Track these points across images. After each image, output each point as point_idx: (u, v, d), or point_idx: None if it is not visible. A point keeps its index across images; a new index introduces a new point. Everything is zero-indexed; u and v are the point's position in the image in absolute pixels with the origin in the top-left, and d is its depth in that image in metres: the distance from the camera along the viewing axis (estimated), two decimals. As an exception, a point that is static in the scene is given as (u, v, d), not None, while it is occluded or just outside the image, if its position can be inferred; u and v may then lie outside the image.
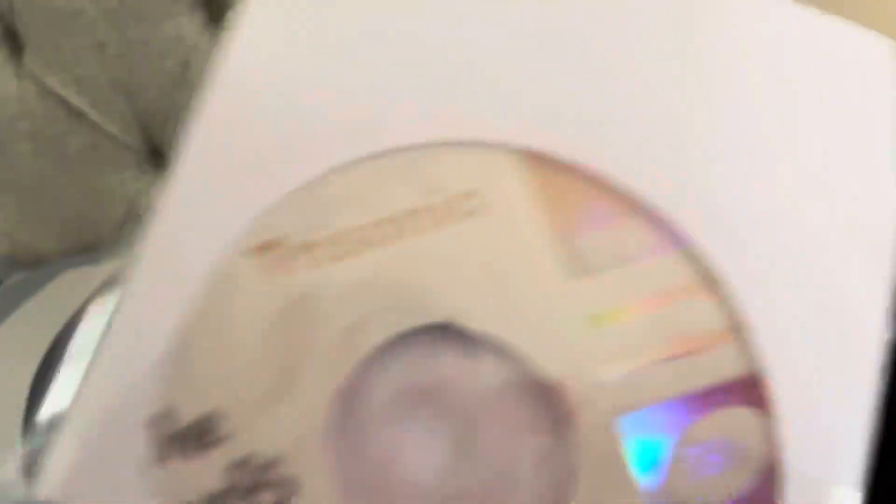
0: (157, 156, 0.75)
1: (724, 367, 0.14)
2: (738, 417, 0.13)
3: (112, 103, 0.70)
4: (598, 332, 0.14)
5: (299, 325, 0.14)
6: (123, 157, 0.75)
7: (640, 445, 0.14)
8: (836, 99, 0.15)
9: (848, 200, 0.14)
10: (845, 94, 0.15)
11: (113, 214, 0.75)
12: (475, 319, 0.14)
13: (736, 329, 0.14)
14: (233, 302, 0.14)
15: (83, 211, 0.75)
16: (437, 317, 0.14)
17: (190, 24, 0.61)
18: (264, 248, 0.14)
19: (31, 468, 0.14)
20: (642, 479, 0.13)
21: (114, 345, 0.14)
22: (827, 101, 0.15)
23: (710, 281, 0.14)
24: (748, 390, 0.14)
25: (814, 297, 0.14)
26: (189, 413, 0.14)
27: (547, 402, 0.14)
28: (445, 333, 0.14)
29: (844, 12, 0.15)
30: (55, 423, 0.14)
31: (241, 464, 0.13)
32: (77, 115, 0.70)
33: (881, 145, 0.15)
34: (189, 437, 0.14)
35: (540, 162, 0.14)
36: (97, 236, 0.75)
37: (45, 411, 0.14)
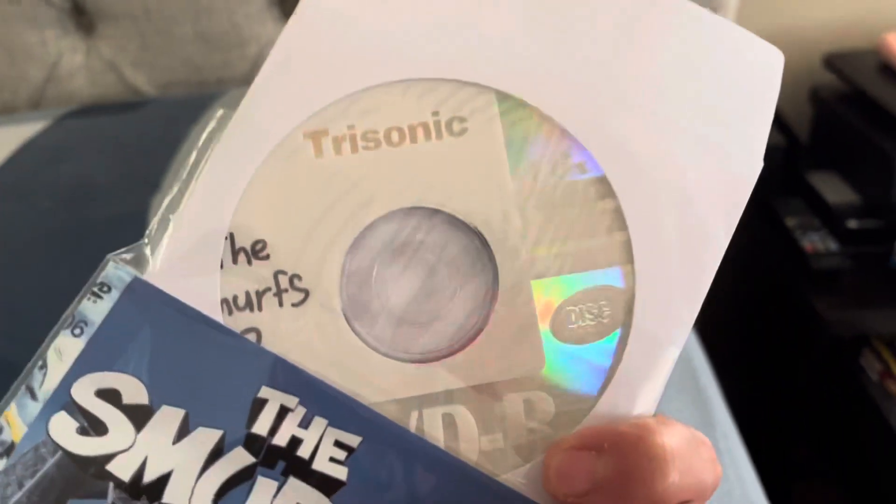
0: (80, 14, 0.74)
1: (608, 259, 0.21)
2: (609, 291, 0.20)
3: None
4: (527, 220, 0.21)
5: (331, 192, 0.21)
6: (45, 13, 0.72)
7: (541, 301, 0.20)
8: (730, 85, 0.21)
9: (723, 155, 0.21)
10: (739, 83, 0.21)
11: (33, 75, 0.75)
12: (451, 205, 0.21)
13: (620, 233, 0.21)
14: (290, 167, 0.21)
15: (0, 69, 0.74)
16: (425, 202, 0.21)
17: None
18: (316, 134, 0.21)
19: (142, 259, 0.21)
20: (539, 325, 0.20)
21: (209, 180, 0.20)
22: (724, 87, 0.21)
23: (611, 198, 0.21)
24: (621, 275, 0.20)
25: (680, 215, 0.20)
26: (250, 236, 0.20)
27: (484, 263, 0.21)
28: (427, 211, 0.21)
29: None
30: (163, 227, 0.20)
31: (281, 272, 0.20)
32: (-6, -36, 0.70)
33: (757, 122, 0.21)
34: (249, 251, 0.20)
35: (510, 100, 0.21)
36: (15, 97, 0.75)
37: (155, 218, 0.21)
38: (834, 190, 0.87)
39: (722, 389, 0.62)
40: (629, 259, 0.20)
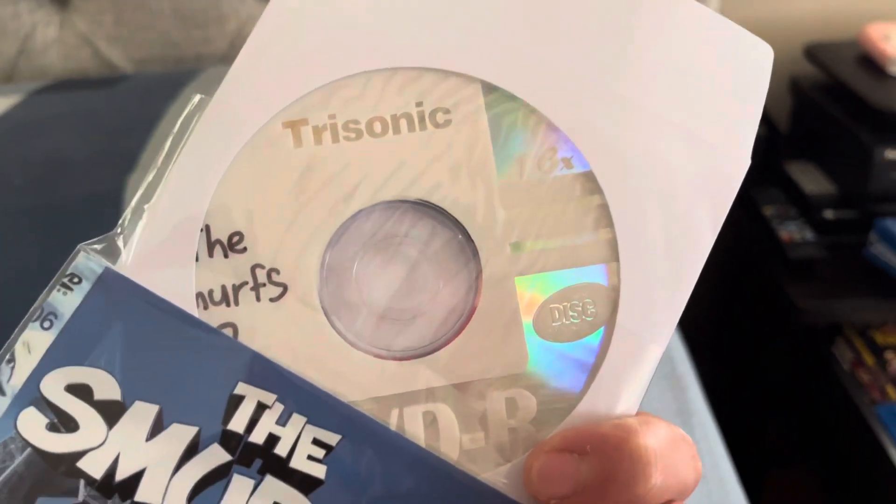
0: (55, -14, 0.72)
1: (593, 256, 0.20)
2: (594, 288, 0.20)
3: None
4: (512, 215, 0.20)
5: (311, 183, 0.20)
6: (17, -16, 0.72)
7: (525, 297, 0.20)
8: (719, 81, 0.21)
9: (710, 152, 0.20)
10: (728, 79, 0.21)
11: (5, 49, 0.73)
12: (434, 198, 0.20)
13: (605, 229, 0.20)
14: (268, 157, 0.20)
15: (-29, 43, 0.71)
16: (408, 195, 0.20)
17: None
18: (295, 124, 0.20)
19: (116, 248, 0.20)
20: (522, 322, 0.20)
21: (184, 170, 0.20)
22: (713, 83, 0.20)
23: (597, 194, 0.20)
24: (605, 272, 0.20)
25: (666, 212, 0.20)
26: (226, 228, 0.20)
27: (468, 258, 0.20)
28: (409, 204, 0.20)
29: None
30: (136, 217, 0.20)
31: (258, 266, 0.20)
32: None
33: (745, 119, 0.21)
34: (225, 243, 0.20)
35: (496, 92, 0.20)
36: (-13, 71, 0.72)
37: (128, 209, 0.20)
38: (811, 180, 0.88)
39: (698, 377, 0.62)
40: (614, 256, 0.20)
